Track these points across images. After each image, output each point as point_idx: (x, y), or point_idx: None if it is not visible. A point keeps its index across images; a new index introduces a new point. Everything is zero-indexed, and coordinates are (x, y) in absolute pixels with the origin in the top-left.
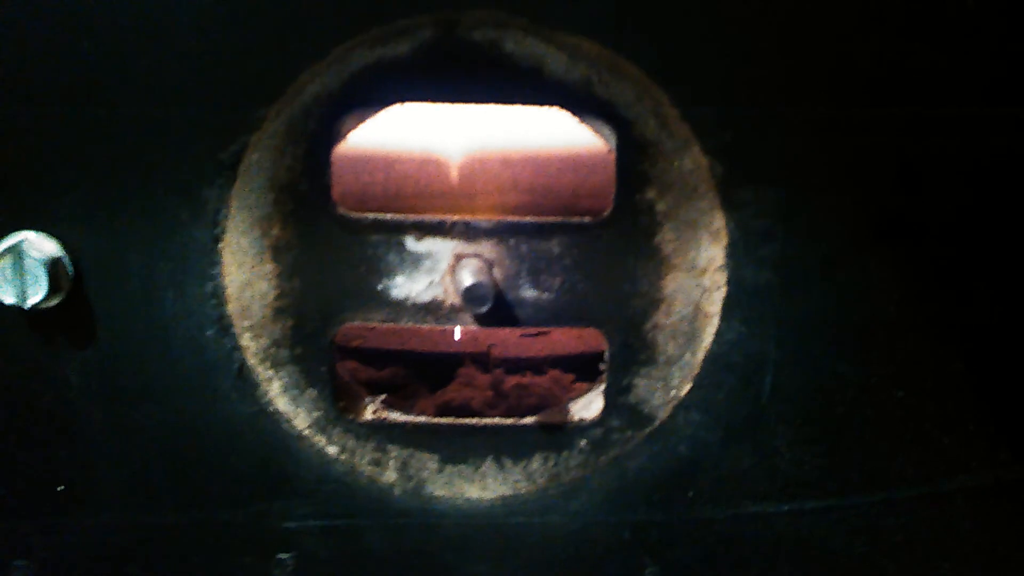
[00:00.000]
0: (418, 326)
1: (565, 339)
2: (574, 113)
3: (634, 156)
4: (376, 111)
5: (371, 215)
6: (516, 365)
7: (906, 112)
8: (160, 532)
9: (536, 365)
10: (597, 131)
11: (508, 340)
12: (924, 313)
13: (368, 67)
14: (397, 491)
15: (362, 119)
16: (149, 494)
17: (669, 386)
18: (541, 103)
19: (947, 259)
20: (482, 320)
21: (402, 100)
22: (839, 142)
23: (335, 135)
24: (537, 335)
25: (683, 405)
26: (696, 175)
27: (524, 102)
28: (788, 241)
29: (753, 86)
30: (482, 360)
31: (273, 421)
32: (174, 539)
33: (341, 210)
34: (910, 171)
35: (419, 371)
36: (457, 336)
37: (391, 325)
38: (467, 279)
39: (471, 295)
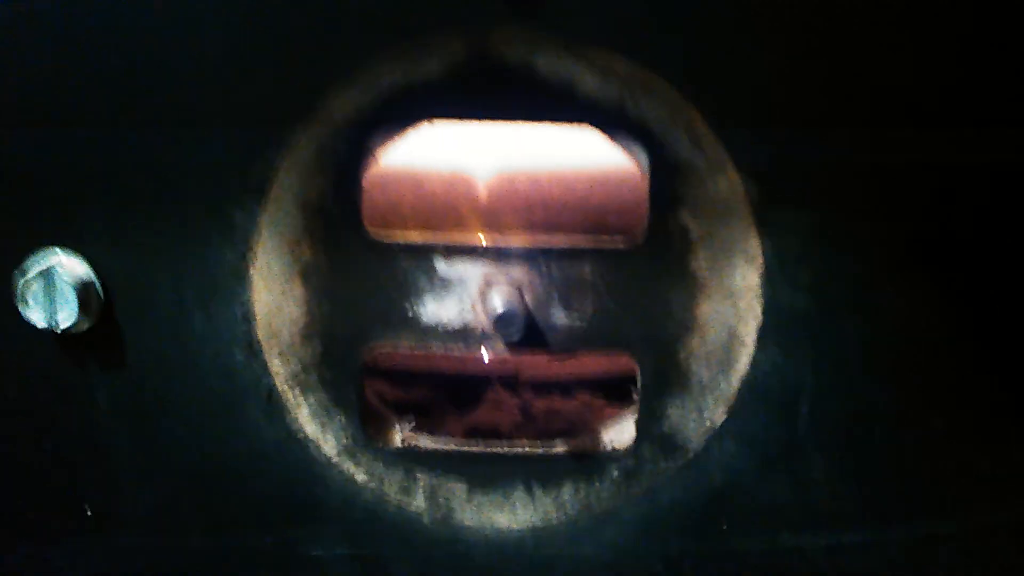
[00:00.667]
0: (447, 351)
1: (595, 361)
2: (606, 133)
3: (667, 177)
4: (406, 131)
5: (401, 239)
6: (545, 387)
7: (944, 133)
8: (186, 556)
9: (565, 387)
10: (630, 152)
11: (537, 361)
12: (964, 339)
13: (398, 87)
14: (426, 519)
15: (392, 139)
16: (176, 518)
17: (703, 414)
18: (573, 122)
19: (988, 282)
20: (513, 346)
21: (432, 119)
22: (876, 162)
23: (365, 156)
24: (566, 359)
25: (718, 434)
26: (731, 197)
27: (556, 121)
28: (824, 264)
29: (788, 106)
30: (511, 382)
31: (301, 446)
32: (200, 563)
33: (371, 233)
34: (949, 192)
35: (447, 392)
36: (486, 358)
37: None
38: (498, 306)
39: (502, 322)
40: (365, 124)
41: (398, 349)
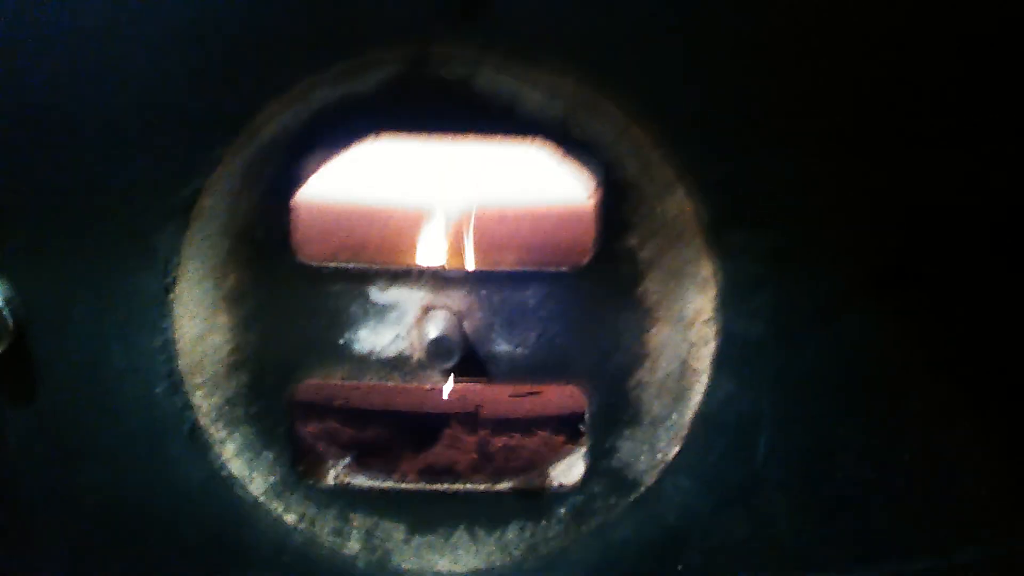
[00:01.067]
0: (402, 385)
1: (558, 399)
2: (554, 150)
3: (615, 199)
4: (339, 151)
5: (333, 264)
6: (505, 425)
7: (908, 151)
8: None
9: (526, 425)
10: (578, 172)
11: (499, 399)
12: (930, 368)
13: (331, 104)
14: (360, 564)
15: (325, 160)
16: (92, 565)
17: (655, 448)
18: (520, 136)
19: (955, 308)
20: (452, 375)
21: (366, 138)
22: (834, 182)
23: (296, 178)
24: (528, 395)
25: (670, 469)
26: (681, 220)
27: (498, 137)
28: (781, 290)
29: (740, 125)
30: (470, 421)
31: (226, 486)
32: None
33: (301, 258)
34: (914, 212)
35: (403, 431)
36: (445, 396)
37: (375, 384)
38: (432, 331)
39: (436, 349)
40: (295, 143)
41: (330, 381)
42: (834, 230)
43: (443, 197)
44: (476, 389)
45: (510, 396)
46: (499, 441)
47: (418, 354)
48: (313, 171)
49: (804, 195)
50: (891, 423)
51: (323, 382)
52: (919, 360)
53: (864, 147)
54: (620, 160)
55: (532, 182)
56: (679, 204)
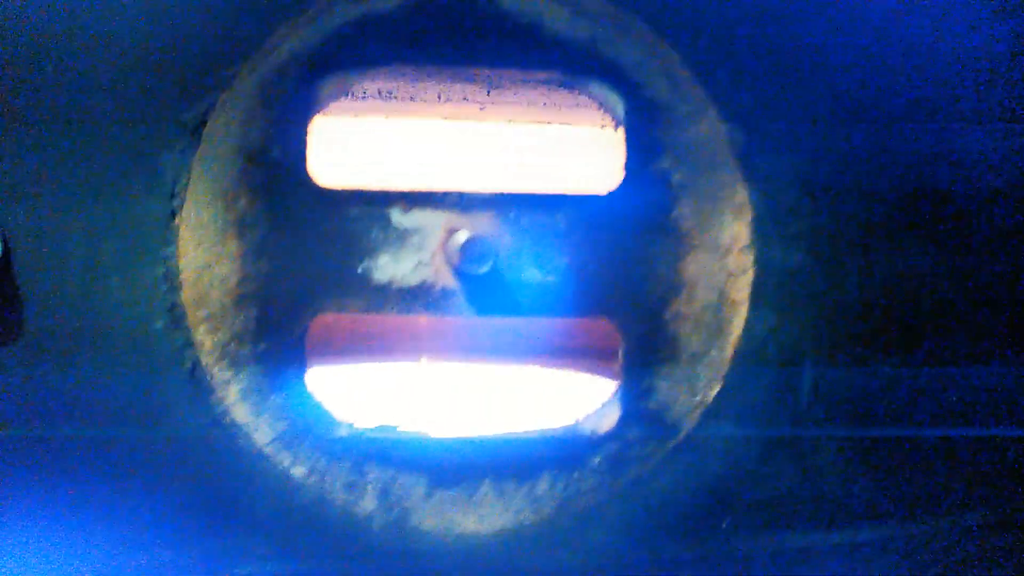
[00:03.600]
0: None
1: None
2: (576, 78)
3: (645, 122)
4: (359, 75)
5: (351, 186)
6: None
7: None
8: (84, 571)
9: None
10: (602, 100)
11: None
12: (977, 299)
13: (351, 23)
14: (376, 524)
15: (344, 83)
16: (72, 525)
17: (695, 388)
18: (541, 66)
19: (1002, 232)
20: (479, 308)
21: (388, 62)
22: (871, 104)
23: (313, 99)
24: None
25: (711, 412)
26: (714, 143)
27: (522, 65)
28: (819, 217)
29: (773, 46)
30: None
31: (229, 435)
32: None
33: (318, 181)
34: (952, 138)
35: None
36: None
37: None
38: (463, 237)
39: (470, 252)
40: (314, 64)
41: (347, 313)
42: (869, 154)
43: None
44: None
45: None
46: None
47: (443, 281)
48: (331, 94)
49: (837, 119)
50: (939, 358)
51: (339, 315)
52: (965, 289)
53: (899, 66)
54: (649, 81)
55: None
56: (711, 126)
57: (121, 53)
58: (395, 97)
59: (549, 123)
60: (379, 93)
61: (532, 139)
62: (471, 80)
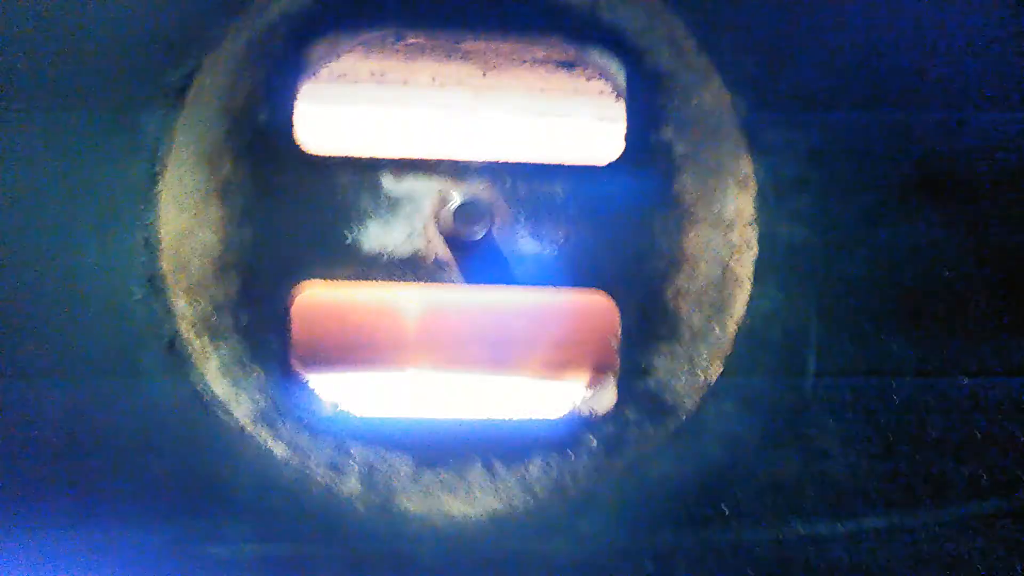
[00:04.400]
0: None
1: None
2: (577, 44)
3: (647, 90)
4: (349, 40)
5: (340, 153)
6: None
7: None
8: (53, 551)
9: None
10: (603, 69)
11: None
12: (987, 276)
13: None
14: (360, 506)
15: (335, 47)
16: (43, 499)
17: (695, 368)
18: (539, 32)
19: (1012, 205)
20: (472, 279)
21: (380, 25)
22: (879, 75)
23: (304, 62)
24: None
25: (713, 392)
26: (718, 113)
27: (520, 30)
28: (824, 191)
29: (779, 12)
30: None
31: (207, 410)
32: (70, 561)
33: (305, 146)
34: (962, 104)
35: None
36: None
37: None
38: (459, 201)
39: (464, 215)
40: (305, 25)
41: (334, 284)
42: (877, 126)
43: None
44: None
45: None
46: None
47: (436, 250)
48: (323, 57)
49: (844, 90)
50: (947, 338)
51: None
52: (973, 264)
53: (902, 39)
54: (651, 48)
55: None
56: (716, 96)
57: (103, 11)
58: (387, 80)
59: (546, 115)
60: (371, 75)
61: (528, 133)
62: (466, 58)
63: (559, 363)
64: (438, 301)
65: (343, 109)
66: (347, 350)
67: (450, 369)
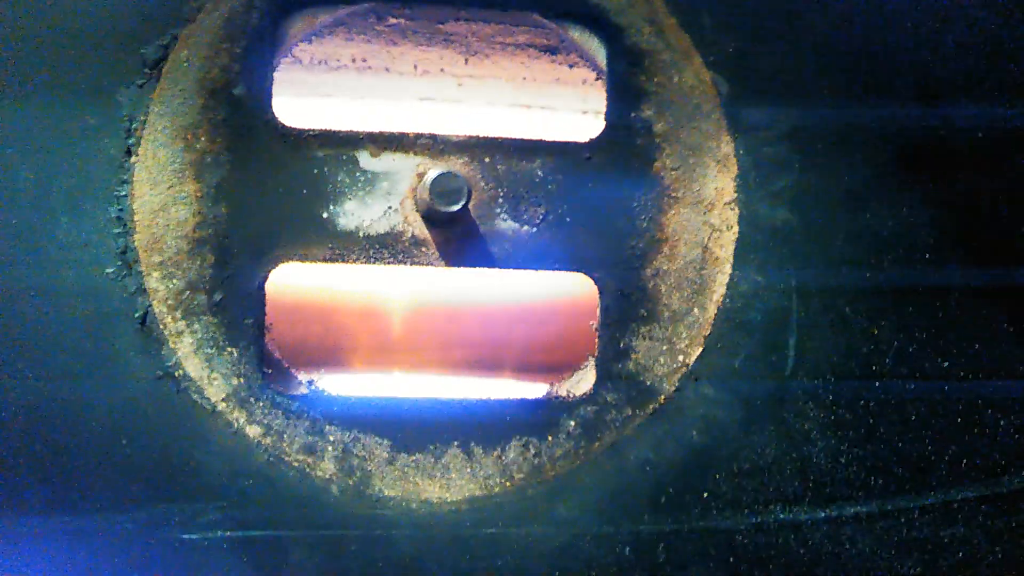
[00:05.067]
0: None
1: None
2: (556, 20)
3: (627, 68)
4: (327, 13)
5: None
6: None
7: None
8: (22, 537)
9: None
10: (583, 46)
11: None
12: (969, 258)
13: None
14: (335, 489)
15: (313, 19)
16: (10, 484)
17: (675, 350)
18: (522, 6)
19: (996, 185)
20: (449, 259)
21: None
22: (861, 53)
23: (282, 35)
24: None
25: (692, 374)
26: (699, 91)
27: (503, 6)
28: (805, 172)
29: None
30: None
31: (180, 389)
32: (40, 548)
33: (282, 120)
34: (941, 86)
35: None
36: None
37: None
38: (434, 173)
39: (440, 188)
40: None
41: (310, 261)
42: (857, 107)
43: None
44: None
45: None
46: None
47: (413, 229)
48: (301, 31)
49: (825, 70)
50: (930, 324)
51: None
52: (953, 249)
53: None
54: (632, 26)
55: None
56: (696, 74)
57: None
58: (370, 67)
59: (529, 107)
60: (353, 61)
61: (511, 124)
62: (448, 42)
63: (546, 366)
64: (422, 302)
65: (324, 102)
66: (331, 352)
67: (435, 372)
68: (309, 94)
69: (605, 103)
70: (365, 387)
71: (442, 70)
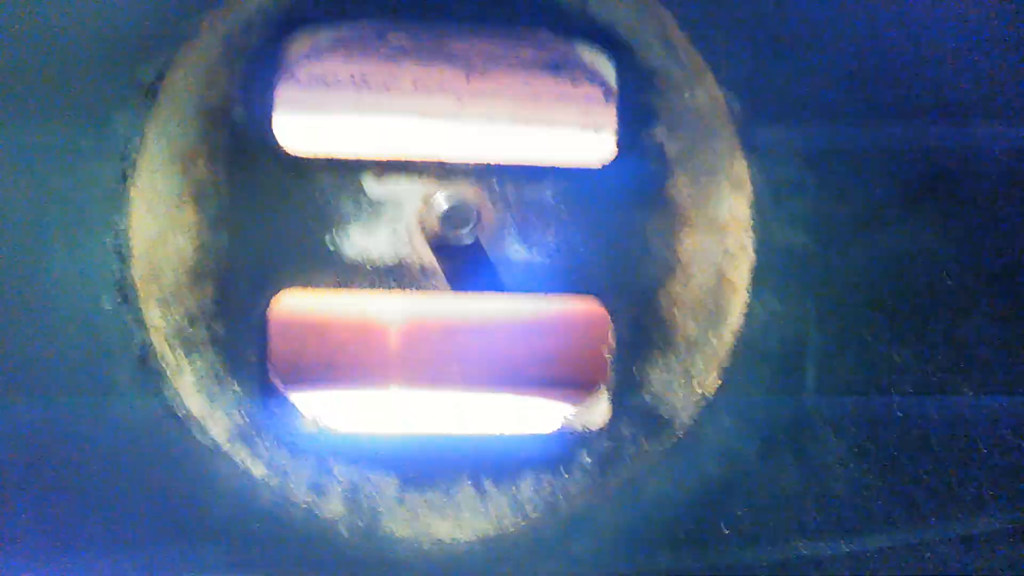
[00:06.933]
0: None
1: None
2: (564, 39)
3: (638, 87)
4: (329, 35)
5: (322, 154)
6: None
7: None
8: None
9: None
10: (593, 65)
11: None
12: (989, 281)
13: None
14: (343, 529)
15: (312, 42)
16: (6, 522)
17: (691, 380)
18: (530, 27)
19: (1012, 209)
20: (458, 285)
21: (362, 16)
22: (877, 73)
23: (282, 56)
24: None
25: (709, 406)
26: (711, 112)
27: (510, 23)
28: (820, 195)
29: (774, 7)
30: None
31: (181, 427)
32: None
33: (284, 145)
34: (961, 106)
35: None
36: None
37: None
38: (445, 203)
39: (453, 217)
40: (283, 17)
41: (314, 291)
42: (874, 128)
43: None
44: None
45: None
46: None
47: (420, 256)
48: (301, 51)
49: (841, 89)
50: (951, 349)
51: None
52: (974, 272)
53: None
54: (644, 44)
55: None
56: (709, 94)
57: (71, 2)
58: (368, 85)
59: (531, 123)
60: (352, 79)
61: (514, 140)
62: (449, 60)
63: (548, 380)
64: (421, 316)
65: (324, 119)
66: (328, 368)
67: (434, 387)
68: (307, 112)
69: (616, 124)
70: (372, 423)
71: (442, 88)
